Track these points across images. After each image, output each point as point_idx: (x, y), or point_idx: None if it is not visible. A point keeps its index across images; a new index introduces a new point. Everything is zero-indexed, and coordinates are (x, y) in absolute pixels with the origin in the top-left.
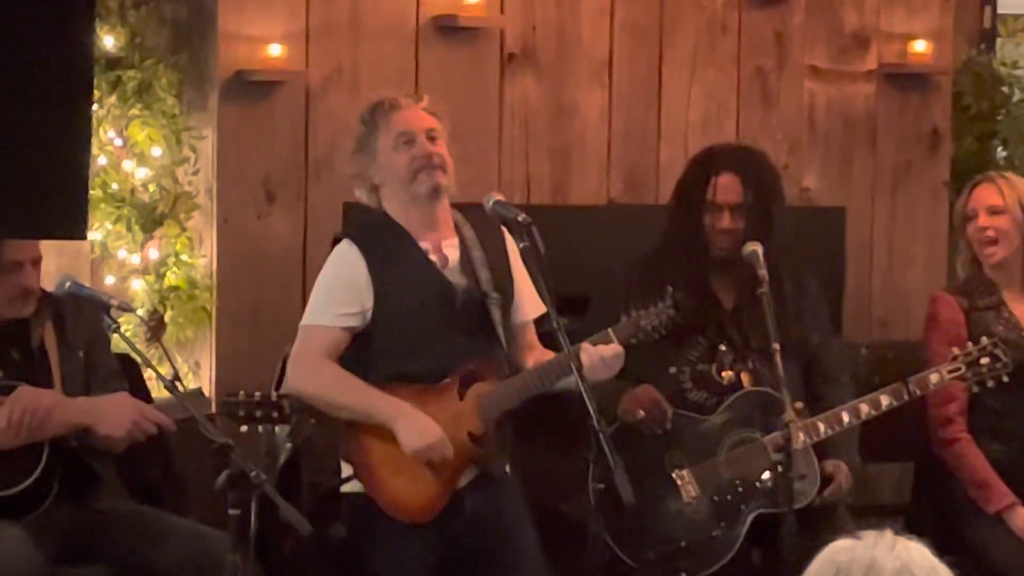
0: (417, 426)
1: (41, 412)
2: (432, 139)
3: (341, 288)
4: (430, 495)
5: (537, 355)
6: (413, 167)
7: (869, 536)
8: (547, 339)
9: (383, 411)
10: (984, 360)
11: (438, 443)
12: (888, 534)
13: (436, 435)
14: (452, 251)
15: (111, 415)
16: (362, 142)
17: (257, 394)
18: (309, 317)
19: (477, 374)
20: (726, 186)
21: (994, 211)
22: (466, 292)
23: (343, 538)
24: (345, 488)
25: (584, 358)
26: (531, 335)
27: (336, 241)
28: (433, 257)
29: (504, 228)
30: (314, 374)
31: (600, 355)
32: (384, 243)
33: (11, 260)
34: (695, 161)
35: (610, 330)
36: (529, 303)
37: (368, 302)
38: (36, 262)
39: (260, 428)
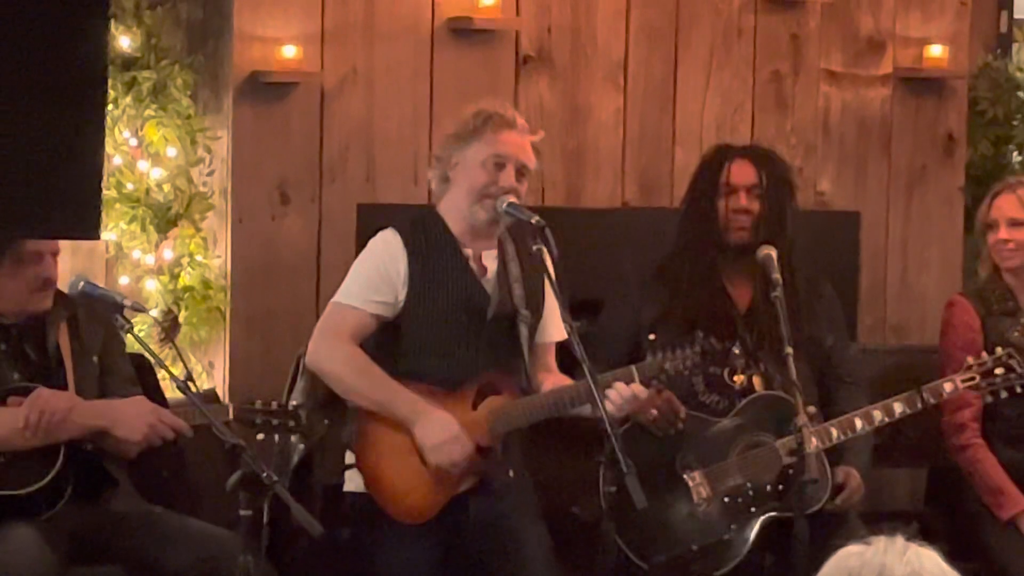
0: (435, 426)
1: (59, 414)
2: (520, 174)
3: (378, 276)
4: (428, 497)
5: (553, 378)
6: (487, 191)
7: (880, 542)
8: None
9: (402, 407)
10: (999, 371)
11: (453, 446)
12: (900, 540)
13: (452, 434)
14: (491, 262)
15: (128, 418)
16: (463, 135)
17: (274, 403)
18: (342, 295)
19: (495, 387)
20: (740, 170)
21: (1015, 223)
22: (498, 305)
23: (347, 539)
24: (348, 487)
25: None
26: (551, 357)
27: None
28: (473, 265)
29: (544, 247)
30: (338, 355)
31: (618, 392)
32: (428, 241)
33: (32, 250)
34: (708, 154)
35: (634, 368)
36: (555, 325)
37: (401, 294)
38: (55, 254)
39: (276, 437)
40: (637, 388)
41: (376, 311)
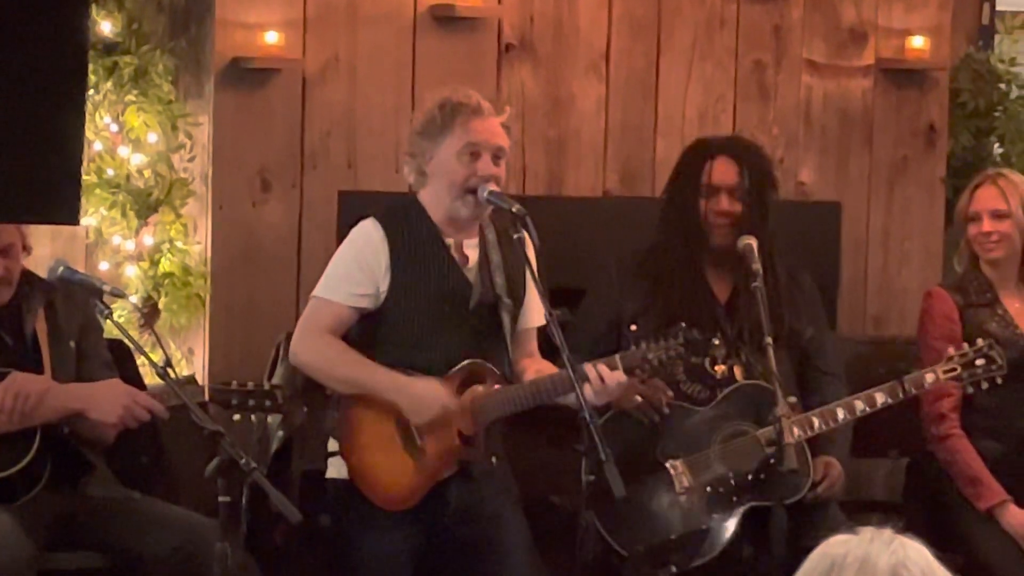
0: (419, 397)
1: (34, 397)
2: (496, 159)
3: (359, 268)
4: (410, 484)
5: (535, 364)
6: (468, 184)
7: (867, 532)
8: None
9: (384, 385)
10: (979, 362)
11: (442, 409)
12: (887, 531)
13: (439, 402)
14: (473, 251)
15: (103, 401)
16: (430, 129)
17: (250, 383)
18: (322, 290)
19: (479, 376)
20: (722, 169)
21: (998, 215)
22: (481, 293)
23: (329, 526)
24: (330, 473)
25: (587, 373)
26: (532, 343)
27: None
28: (455, 254)
29: (526, 234)
30: (317, 346)
31: (599, 375)
32: (409, 230)
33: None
34: (689, 149)
35: (617, 357)
36: (536, 311)
37: (383, 285)
38: (27, 248)
39: (252, 417)
40: (620, 375)
41: (356, 304)
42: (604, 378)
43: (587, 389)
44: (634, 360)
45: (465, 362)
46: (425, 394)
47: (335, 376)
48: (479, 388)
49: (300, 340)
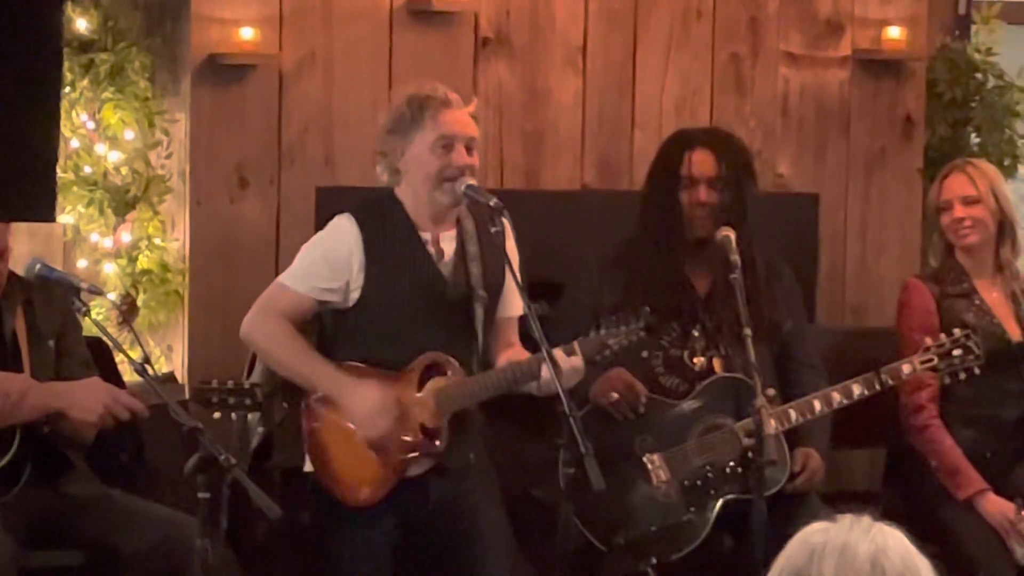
0: (358, 399)
1: (14, 396)
2: (469, 149)
3: (326, 264)
4: (374, 480)
5: (513, 353)
6: (444, 175)
7: (845, 520)
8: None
9: (326, 382)
10: (956, 352)
11: (379, 416)
12: (865, 519)
13: (376, 408)
14: (449, 244)
15: (84, 400)
16: (400, 125)
17: (230, 382)
18: (287, 277)
19: (439, 368)
20: (700, 160)
21: (969, 201)
22: (454, 287)
23: (306, 521)
24: (308, 467)
25: (545, 366)
26: (512, 333)
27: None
28: (431, 249)
29: (506, 223)
30: (267, 326)
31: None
32: (385, 225)
33: None
34: (667, 142)
35: (576, 343)
36: (515, 301)
37: (357, 282)
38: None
39: (232, 414)
40: (577, 360)
41: (318, 296)
42: (560, 363)
43: (544, 372)
44: (593, 346)
45: (424, 355)
46: (361, 394)
47: (277, 359)
48: (440, 380)
49: (252, 317)
